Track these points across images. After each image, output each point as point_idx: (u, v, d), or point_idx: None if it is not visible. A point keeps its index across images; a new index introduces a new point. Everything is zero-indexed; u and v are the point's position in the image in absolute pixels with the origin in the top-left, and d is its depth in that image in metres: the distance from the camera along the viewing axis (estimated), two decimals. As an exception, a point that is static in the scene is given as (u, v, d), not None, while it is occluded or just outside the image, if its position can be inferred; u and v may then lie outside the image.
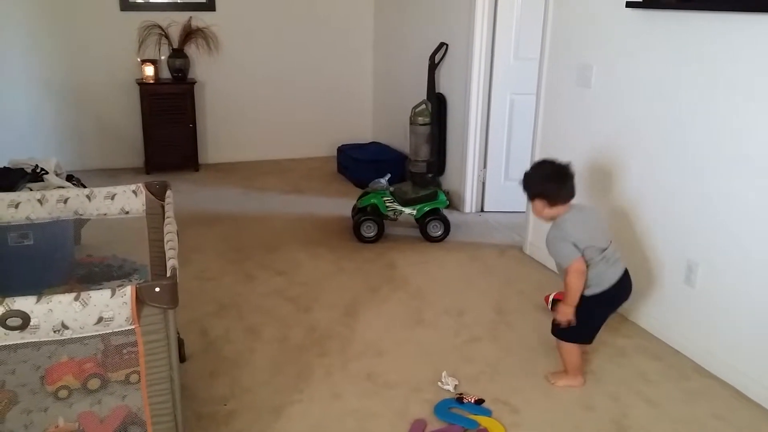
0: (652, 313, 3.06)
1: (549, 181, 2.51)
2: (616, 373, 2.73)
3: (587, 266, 2.47)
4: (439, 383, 2.60)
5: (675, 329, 2.94)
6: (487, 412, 2.43)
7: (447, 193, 4.41)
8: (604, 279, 2.52)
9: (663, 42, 2.90)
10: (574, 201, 2.56)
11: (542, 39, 3.76)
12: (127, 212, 2.41)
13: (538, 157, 3.86)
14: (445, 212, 4.32)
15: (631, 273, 2.99)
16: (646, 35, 2.99)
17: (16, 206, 2.31)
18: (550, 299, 3.17)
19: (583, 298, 2.50)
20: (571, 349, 2.58)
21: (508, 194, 4.66)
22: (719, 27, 2.60)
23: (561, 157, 2.56)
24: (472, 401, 2.47)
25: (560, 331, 2.57)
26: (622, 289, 2.59)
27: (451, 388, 2.57)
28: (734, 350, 2.64)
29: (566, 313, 2.50)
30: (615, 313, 3.20)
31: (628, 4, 3.03)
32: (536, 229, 3.86)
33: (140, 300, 1.59)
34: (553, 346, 2.71)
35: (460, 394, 2.51)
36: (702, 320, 2.79)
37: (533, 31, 3.94)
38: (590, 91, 3.39)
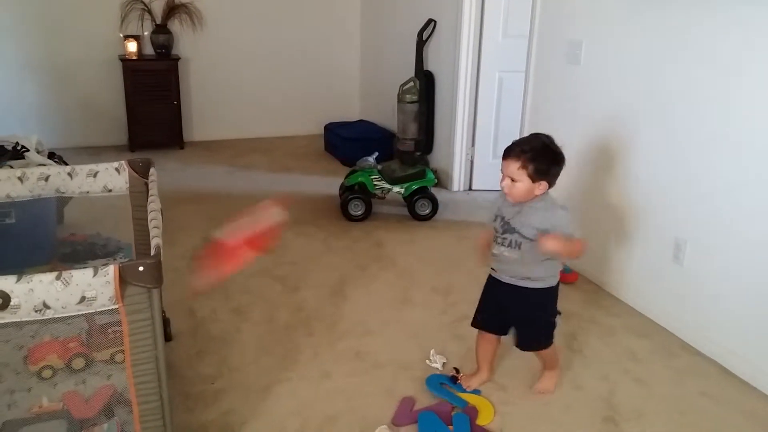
0: (641, 291, 3.06)
1: (558, 164, 2.19)
2: (604, 351, 2.73)
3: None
4: (428, 361, 2.60)
5: (663, 307, 2.94)
6: (476, 391, 2.42)
7: (435, 172, 4.38)
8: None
9: (652, 18, 2.87)
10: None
11: (531, 16, 3.72)
12: (110, 190, 2.36)
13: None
14: (433, 191, 4.30)
15: (619, 250, 2.98)
16: (635, 11, 2.96)
17: (-4, 184, 2.26)
18: None
19: (550, 289, 2.27)
20: (553, 349, 2.39)
21: (496, 172, 4.56)
22: (708, 3, 2.58)
23: (550, 134, 2.41)
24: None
25: (541, 341, 2.36)
26: None
27: (439, 366, 2.56)
28: (721, 328, 2.65)
29: (557, 246, 2.10)
30: (602, 291, 3.24)
31: (619, -20, 3.00)
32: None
33: (123, 279, 1.55)
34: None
35: (455, 373, 2.48)
36: (690, 298, 2.80)
37: (522, 8, 3.90)
38: (579, 68, 3.36)
